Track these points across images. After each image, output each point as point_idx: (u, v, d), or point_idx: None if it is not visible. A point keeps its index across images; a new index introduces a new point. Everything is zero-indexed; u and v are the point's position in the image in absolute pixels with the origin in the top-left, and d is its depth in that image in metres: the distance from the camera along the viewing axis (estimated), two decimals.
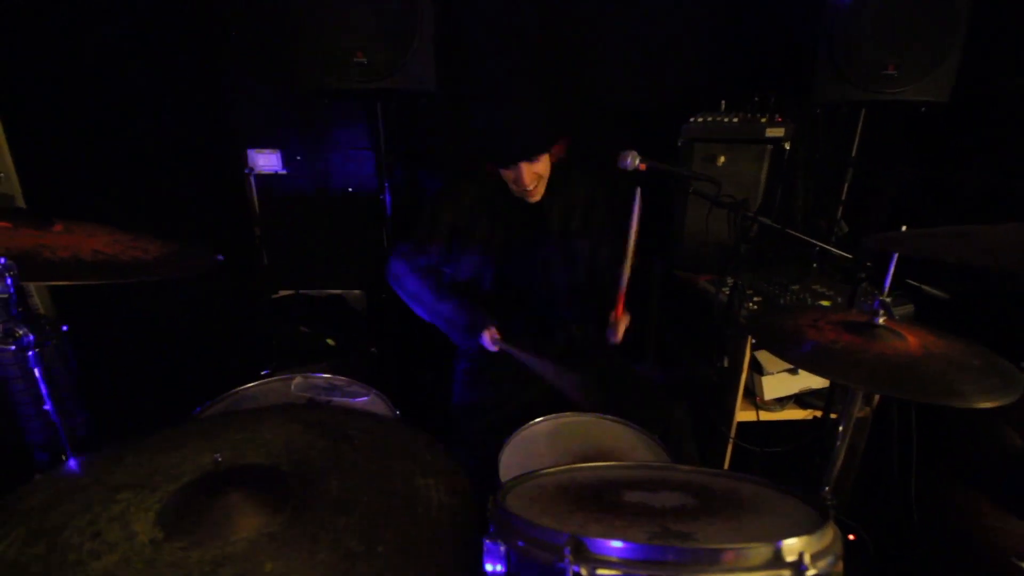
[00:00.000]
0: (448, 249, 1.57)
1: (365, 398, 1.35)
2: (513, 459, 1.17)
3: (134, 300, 2.19)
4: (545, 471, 0.75)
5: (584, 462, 1.15)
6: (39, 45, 1.81)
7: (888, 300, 0.92)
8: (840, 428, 1.06)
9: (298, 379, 1.40)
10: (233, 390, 1.32)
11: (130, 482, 0.65)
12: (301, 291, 2.41)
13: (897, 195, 1.49)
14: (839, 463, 1.08)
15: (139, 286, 2.18)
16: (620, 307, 1.43)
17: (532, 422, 1.29)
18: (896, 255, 0.94)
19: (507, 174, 1.46)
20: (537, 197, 1.51)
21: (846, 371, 0.87)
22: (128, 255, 0.77)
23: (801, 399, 1.78)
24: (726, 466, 1.79)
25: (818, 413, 1.75)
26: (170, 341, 2.28)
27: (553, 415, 1.31)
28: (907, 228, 0.91)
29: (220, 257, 0.87)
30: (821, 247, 1.39)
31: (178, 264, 0.79)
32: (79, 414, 2.26)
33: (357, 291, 2.46)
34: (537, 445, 1.22)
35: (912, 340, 0.93)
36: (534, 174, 1.44)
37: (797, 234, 1.36)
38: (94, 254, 0.74)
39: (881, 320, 0.95)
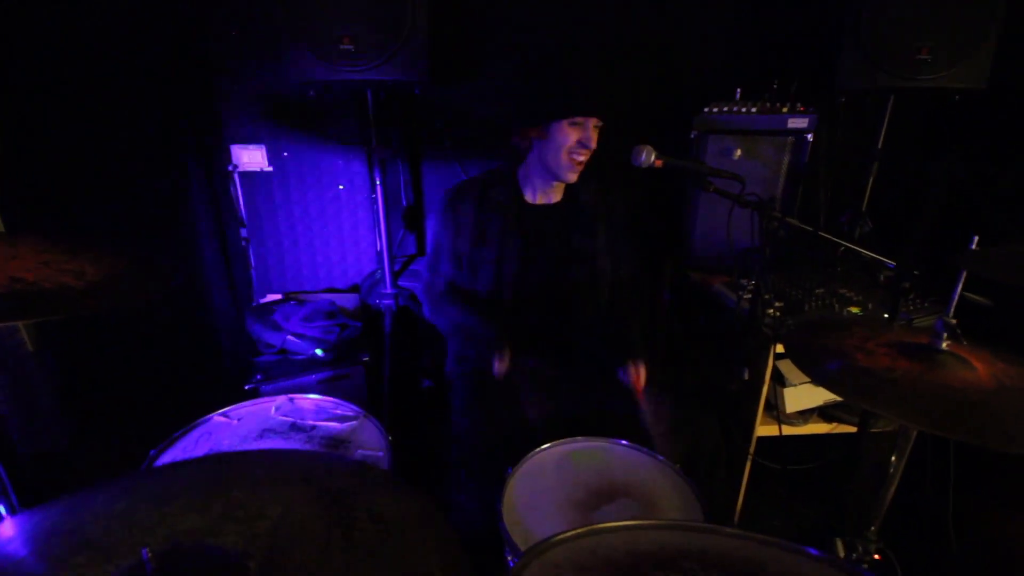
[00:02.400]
0: (460, 263, 1.48)
1: (354, 423, 1.23)
2: (518, 492, 1.05)
3: (124, 308, 2.06)
4: (561, 536, 0.62)
5: (598, 498, 1.04)
6: (11, 36, 1.67)
7: (953, 321, 0.79)
8: (892, 460, 0.93)
9: (280, 400, 1.28)
10: (205, 417, 1.19)
11: (101, 544, 0.54)
12: (290, 295, 2.28)
13: (935, 190, 1.36)
14: (887, 502, 0.96)
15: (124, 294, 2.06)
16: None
17: (539, 448, 1.16)
18: (964, 273, 0.81)
19: (570, 134, 1.34)
20: (573, 179, 1.40)
21: (905, 408, 0.74)
22: (55, 281, 0.63)
23: (826, 412, 1.66)
24: (744, 484, 1.67)
25: (846, 428, 1.63)
26: (154, 348, 2.16)
27: (563, 440, 1.19)
28: (978, 240, 0.78)
29: (176, 282, 0.73)
30: (859, 252, 1.26)
31: (119, 292, 0.66)
32: (58, 426, 2.13)
33: (350, 294, 2.33)
34: (545, 476, 1.10)
35: (981, 369, 0.80)
36: (593, 139, 1.35)
37: (831, 237, 1.23)
38: (10, 283, 0.60)
39: (945, 344, 0.82)
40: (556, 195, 1.49)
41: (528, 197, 1.48)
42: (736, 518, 1.72)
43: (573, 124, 1.34)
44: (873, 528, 0.97)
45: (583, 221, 1.49)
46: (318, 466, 0.71)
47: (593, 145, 1.36)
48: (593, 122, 1.35)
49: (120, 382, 2.11)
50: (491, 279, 1.44)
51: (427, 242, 1.55)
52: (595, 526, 0.66)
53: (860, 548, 0.99)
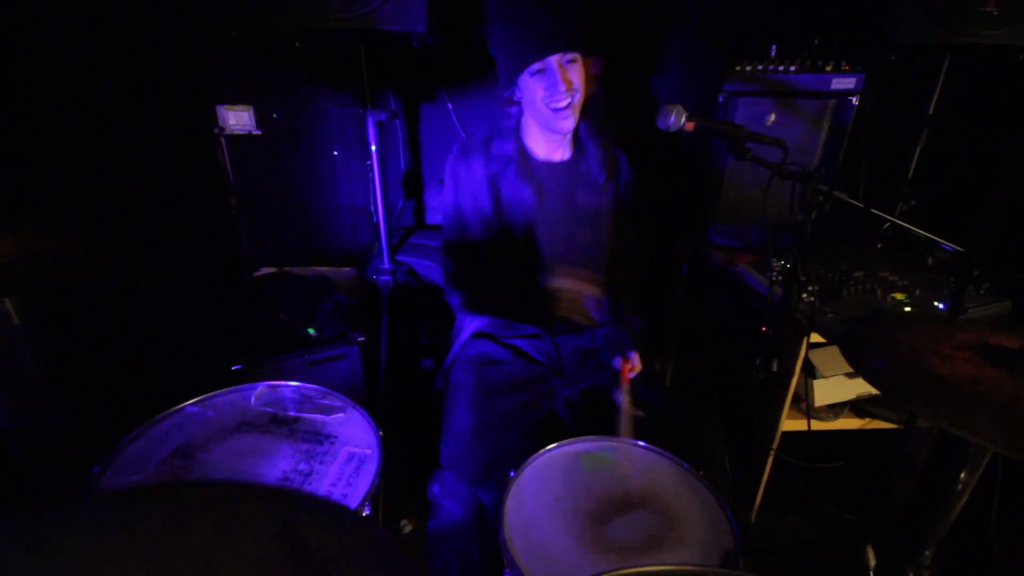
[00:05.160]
0: (488, 228, 1.31)
1: (341, 415, 1.11)
2: (522, 499, 0.93)
3: (102, 280, 1.96)
4: None
5: (611, 509, 0.92)
6: None
7: None
8: (960, 477, 0.80)
9: (261, 390, 1.16)
10: (177, 407, 1.08)
11: None
12: (285, 268, 2.15)
13: (1014, 164, 1.19)
14: (949, 524, 0.83)
15: (111, 266, 1.96)
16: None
17: (545, 449, 1.04)
18: None
19: (537, 85, 1.17)
20: (568, 126, 1.22)
21: (1004, 433, 0.60)
22: None
23: (859, 406, 1.52)
24: (764, 481, 1.56)
25: (880, 424, 1.49)
26: (143, 323, 2.06)
27: (571, 440, 1.06)
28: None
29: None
30: (910, 231, 1.09)
31: (29, 276, 0.52)
32: (47, 401, 2.05)
33: (347, 268, 2.20)
34: (551, 481, 0.98)
35: None
36: (569, 81, 1.16)
37: (886, 216, 1.06)
38: None
39: None
40: (564, 152, 1.32)
41: (535, 151, 1.31)
42: (754, 515, 1.61)
43: (534, 74, 1.16)
44: (928, 553, 0.85)
45: (590, 177, 1.32)
46: (298, 515, 0.58)
47: (569, 86, 1.15)
48: (558, 60, 1.15)
49: (110, 357, 2.02)
50: (520, 241, 1.29)
51: (443, 216, 1.36)
52: (614, 574, 0.53)
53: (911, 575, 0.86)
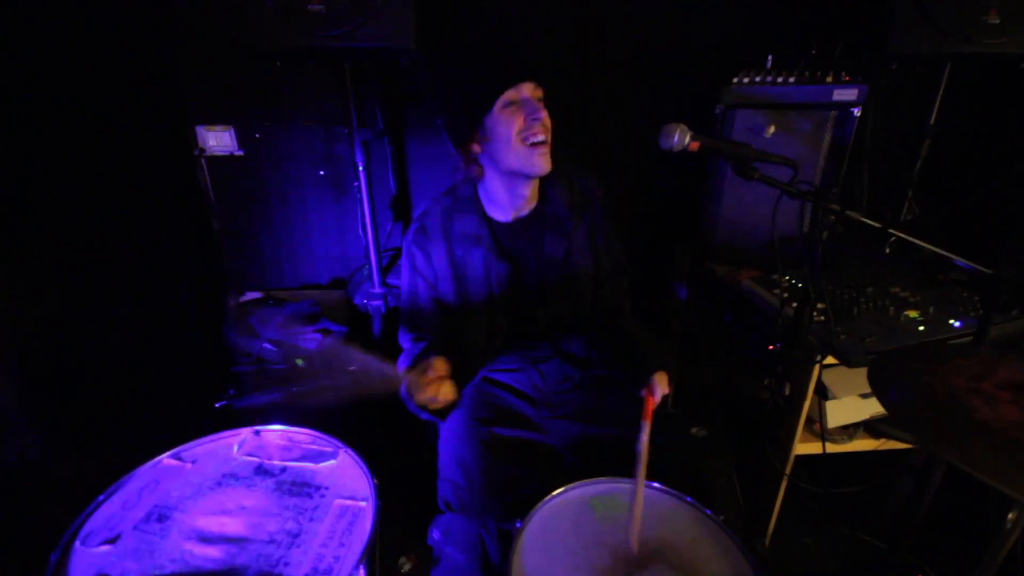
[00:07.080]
0: (444, 316, 1.23)
1: (332, 462, 1.03)
2: (529, 554, 0.86)
3: (87, 307, 1.88)
4: None
5: (628, 563, 0.85)
6: None
7: None
8: (1008, 517, 0.74)
9: (245, 435, 1.08)
10: (152, 460, 0.99)
11: None
12: (271, 293, 2.07)
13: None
14: (997, 567, 0.77)
15: (90, 296, 1.88)
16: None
17: (553, 494, 0.97)
18: None
19: (513, 118, 1.07)
20: (546, 166, 1.11)
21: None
22: None
23: (872, 427, 1.47)
24: (777, 508, 1.49)
25: (895, 444, 1.44)
26: (124, 355, 1.97)
27: (579, 483, 0.99)
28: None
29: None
30: (934, 251, 1.04)
31: None
32: (30, 436, 1.95)
33: (336, 292, 2.12)
34: (562, 533, 0.91)
35: None
36: (545, 111, 1.09)
37: (905, 235, 1.01)
38: None
39: None
40: (530, 203, 1.23)
41: (499, 216, 1.23)
42: (767, 541, 1.55)
43: (507, 106, 1.07)
44: None
45: (559, 221, 1.24)
46: None
47: (542, 119, 1.08)
48: (529, 90, 1.08)
49: (90, 390, 1.92)
50: (483, 319, 1.22)
51: (401, 293, 1.29)
52: None
53: None
